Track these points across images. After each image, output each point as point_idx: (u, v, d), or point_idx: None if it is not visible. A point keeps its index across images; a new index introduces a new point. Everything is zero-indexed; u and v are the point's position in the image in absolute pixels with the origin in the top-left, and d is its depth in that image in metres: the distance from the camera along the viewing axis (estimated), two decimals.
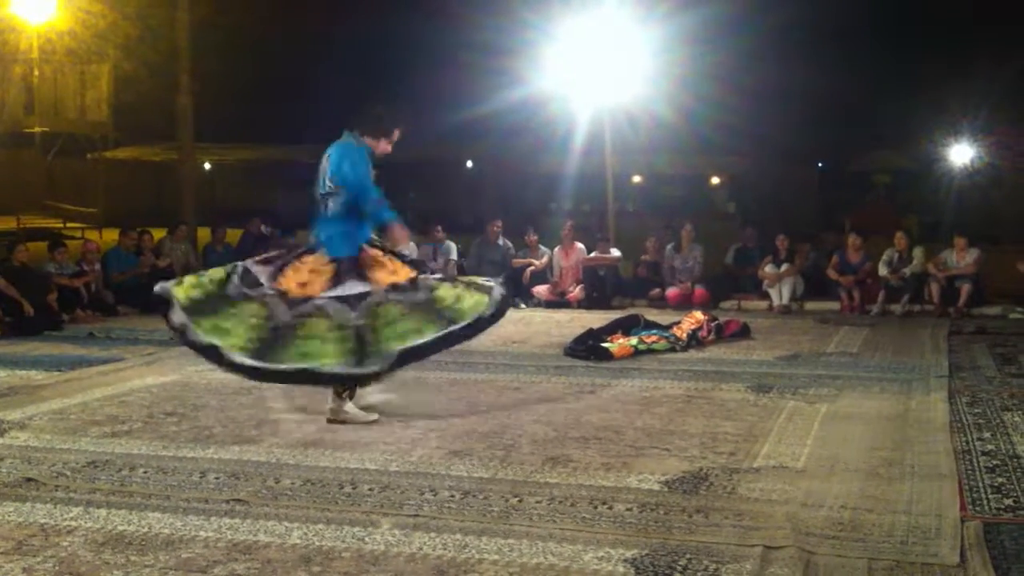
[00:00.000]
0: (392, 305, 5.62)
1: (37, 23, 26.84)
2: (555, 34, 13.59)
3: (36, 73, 30.00)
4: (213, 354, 5.57)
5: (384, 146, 5.93)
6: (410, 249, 12.33)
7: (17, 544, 3.84)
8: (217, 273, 5.79)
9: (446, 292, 5.77)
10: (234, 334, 5.56)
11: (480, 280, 6.14)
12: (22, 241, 12.24)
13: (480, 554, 3.69)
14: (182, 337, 5.66)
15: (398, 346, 5.52)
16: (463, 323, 5.70)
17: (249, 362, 5.48)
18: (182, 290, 5.68)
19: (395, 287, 5.66)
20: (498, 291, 5.88)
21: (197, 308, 5.61)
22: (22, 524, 4.07)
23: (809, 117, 24.88)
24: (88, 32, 27.29)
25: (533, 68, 14.40)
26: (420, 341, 5.57)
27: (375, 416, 5.82)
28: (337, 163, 5.78)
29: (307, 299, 5.61)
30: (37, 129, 31.47)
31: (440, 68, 23.43)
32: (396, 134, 5.94)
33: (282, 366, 5.49)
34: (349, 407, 5.77)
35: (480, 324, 5.78)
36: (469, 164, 30.00)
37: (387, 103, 6.10)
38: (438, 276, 5.99)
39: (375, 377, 5.66)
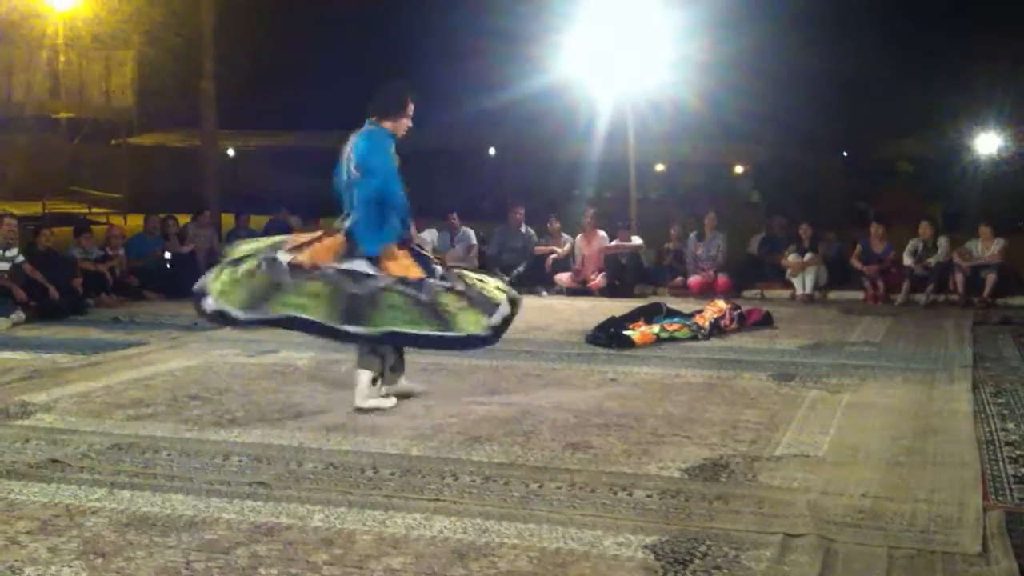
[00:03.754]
0: (396, 293, 5.63)
1: (62, 9, 27.00)
2: (577, 20, 13.56)
3: (62, 59, 30.19)
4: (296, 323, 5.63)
5: (404, 123, 5.92)
6: (431, 236, 12.40)
7: (42, 524, 3.88)
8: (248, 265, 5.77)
9: (449, 300, 5.75)
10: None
11: (492, 286, 6.01)
12: (47, 226, 12.34)
13: (500, 538, 3.71)
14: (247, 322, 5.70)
15: (390, 327, 5.54)
16: (456, 334, 5.70)
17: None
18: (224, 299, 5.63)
19: (403, 281, 5.66)
20: (501, 312, 5.81)
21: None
22: (47, 504, 4.12)
23: (833, 105, 24.72)
24: (113, 18, 27.41)
25: (555, 55, 14.37)
26: (412, 331, 5.59)
27: (394, 401, 5.85)
28: (364, 152, 5.78)
29: (314, 268, 5.65)
30: (63, 115, 31.69)
31: (462, 55, 23.43)
32: (410, 107, 5.93)
33: (271, 315, 5.57)
34: (373, 395, 5.80)
35: (471, 342, 5.81)
36: (492, 151, 29.99)
37: (391, 81, 6.10)
38: (446, 284, 5.88)
39: (355, 339, 5.64)
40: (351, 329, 5.54)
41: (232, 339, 8.35)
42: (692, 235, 12.28)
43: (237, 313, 5.55)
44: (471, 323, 5.70)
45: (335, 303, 5.54)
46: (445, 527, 3.82)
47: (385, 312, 5.55)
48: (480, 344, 5.84)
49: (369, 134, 5.86)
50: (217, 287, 5.59)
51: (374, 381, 5.81)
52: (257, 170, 31.84)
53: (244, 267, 5.66)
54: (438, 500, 4.13)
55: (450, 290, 5.77)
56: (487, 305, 5.83)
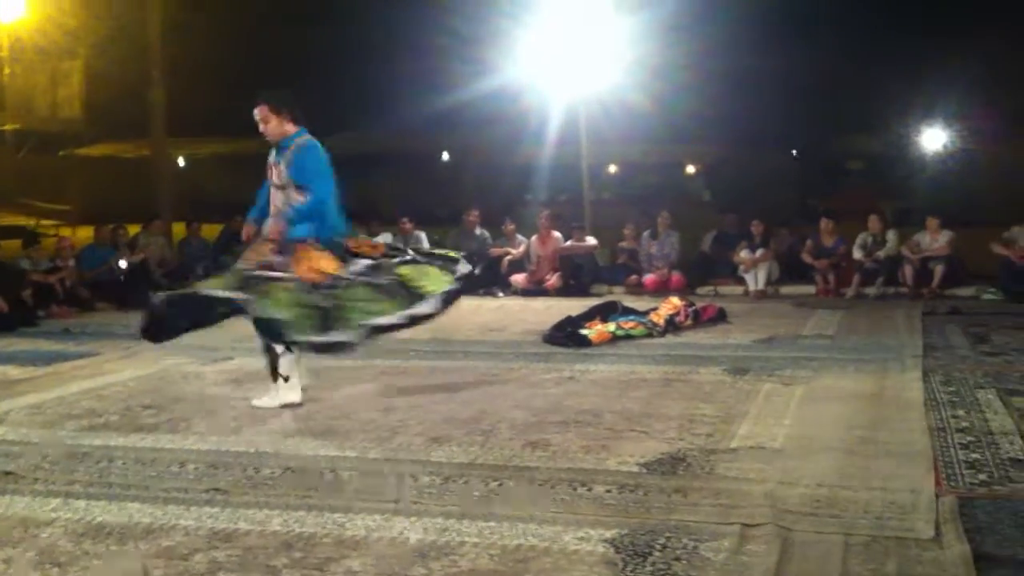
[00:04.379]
0: (360, 287, 5.66)
1: (6, 21, 26.63)
2: (529, 23, 13.62)
3: (7, 71, 29.77)
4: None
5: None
6: (384, 240, 12.35)
7: None
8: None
9: (409, 271, 5.83)
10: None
11: (448, 253, 6.27)
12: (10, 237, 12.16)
13: (461, 537, 3.71)
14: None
15: (363, 320, 5.55)
16: (430, 300, 5.75)
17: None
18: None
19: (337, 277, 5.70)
20: (464, 266, 6.03)
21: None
22: (1, 516, 4.06)
23: (783, 104, 25.01)
24: (59, 30, 27.08)
25: (508, 57, 14.42)
26: (385, 320, 5.61)
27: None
28: (301, 162, 5.83)
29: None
30: (8, 127, 31.26)
31: (414, 58, 23.41)
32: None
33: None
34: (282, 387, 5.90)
35: (448, 297, 5.84)
36: (445, 156, 29.98)
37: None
38: (401, 258, 5.99)
39: (343, 348, 5.65)
40: (332, 339, 5.55)
41: (185, 347, 8.25)
42: (646, 234, 12.36)
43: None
44: (438, 283, 5.82)
45: (309, 317, 5.55)
46: (405, 528, 3.82)
47: (350, 309, 5.58)
48: (454, 297, 5.89)
49: (311, 144, 5.95)
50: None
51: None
52: (208, 177, 31.59)
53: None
54: (397, 501, 4.13)
55: (407, 260, 5.96)
56: (448, 262, 6.06)
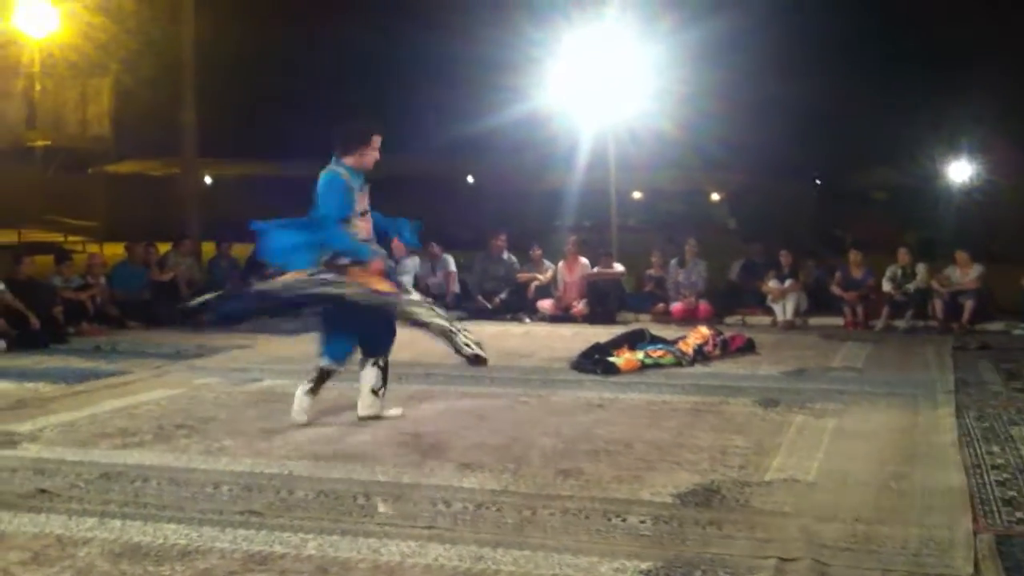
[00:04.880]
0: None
1: (39, 37, 26.92)
2: (558, 51, 13.69)
3: (38, 87, 30.10)
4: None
5: (370, 156, 6.06)
6: (412, 264, 12.40)
7: (34, 555, 3.85)
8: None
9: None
10: None
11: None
12: (25, 255, 12.25)
13: (496, 565, 3.70)
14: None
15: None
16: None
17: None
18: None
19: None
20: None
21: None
22: (38, 535, 4.08)
23: (808, 134, 25.01)
24: (90, 46, 27.36)
25: (536, 84, 14.49)
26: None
27: (401, 411, 6.31)
28: (320, 193, 5.98)
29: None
30: (39, 143, 31.56)
31: (443, 84, 23.56)
32: (375, 140, 6.06)
33: None
34: (379, 404, 6.17)
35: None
36: (470, 179, 30.08)
37: (353, 117, 6.34)
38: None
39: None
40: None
41: (215, 368, 8.34)
42: (673, 262, 12.35)
43: None
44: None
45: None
46: (440, 555, 3.82)
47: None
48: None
49: (326, 175, 6.02)
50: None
51: (376, 392, 6.15)
52: (234, 198, 31.77)
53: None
54: (432, 528, 4.13)
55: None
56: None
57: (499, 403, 6.85)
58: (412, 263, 12.40)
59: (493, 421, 6.25)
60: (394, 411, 6.29)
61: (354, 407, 6.25)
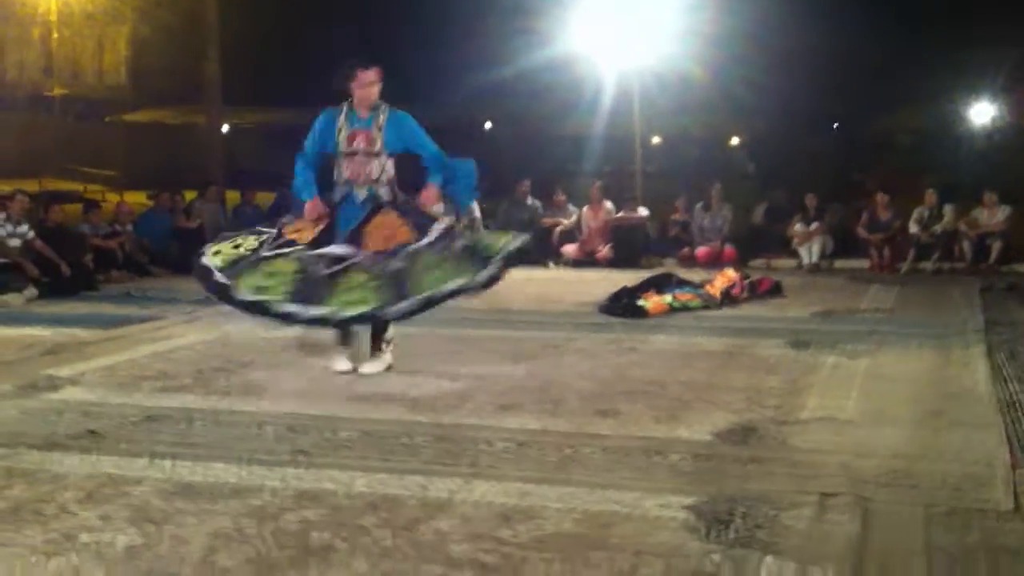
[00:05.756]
0: (429, 253, 5.77)
1: None
2: None
3: (55, 36, 30.02)
4: (257, 308, 5.71)
5: (359, 93, 5.98)
6: (438, 208, 12.40)
7: (89, 493, 3.92)
8: (251, 243, 5.94)
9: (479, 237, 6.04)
10: (272, 290, 5.70)
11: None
12: (52, 202, 12.34)
13: (542, 501, 3.77)
14: (224, 298, 5.83)
15: (431, 291, 5.65)
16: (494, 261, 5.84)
17: (290, 308, 5.64)
18: (219, 259, 5.84)
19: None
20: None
21: (235, 270, 5.77)
22: (91, 475, 4.16)
23: (830, 78, 24.75)
24: None
25: (558, 28, 14.37)
26: (450, 286, 5.69)
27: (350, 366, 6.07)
28: (411, 127, 6.03)
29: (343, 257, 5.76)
30: (56, 92, 31.59)
31: (464, 30, 23.35)
32: (361, 76, 5.96)
33: (322, 311, 5.63)
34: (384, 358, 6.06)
35: (510, 259, 5.91)
36: (487, 126, 29.97)
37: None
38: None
39: (405, 316, 5.75)
40: (397, 310, 5.67)
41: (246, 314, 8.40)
42: (698, 206, 12.34)
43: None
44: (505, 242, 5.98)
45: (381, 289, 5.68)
46: (487, 491, 3.88)
47: (422, 278, 5.68)
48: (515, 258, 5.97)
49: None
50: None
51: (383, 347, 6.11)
52: (252, 146, 31.79)
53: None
54: (475, 466, 4.20)
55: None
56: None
57: (530, 346, 6.90)
58: (437, 210, 12.40)
59: (527, 364, 6.31)
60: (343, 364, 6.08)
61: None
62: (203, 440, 4.65)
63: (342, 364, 6.06)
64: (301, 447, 4.47)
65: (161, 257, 11.55)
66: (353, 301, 5.65)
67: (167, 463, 4.29)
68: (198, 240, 11.80)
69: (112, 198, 20.71)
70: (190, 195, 13.26)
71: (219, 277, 5.82)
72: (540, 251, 12.27)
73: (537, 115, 25.29)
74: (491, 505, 3.74)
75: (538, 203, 12.91)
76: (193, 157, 17.71)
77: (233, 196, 14.08)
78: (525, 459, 4.29)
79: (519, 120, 26.92)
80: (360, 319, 5.74)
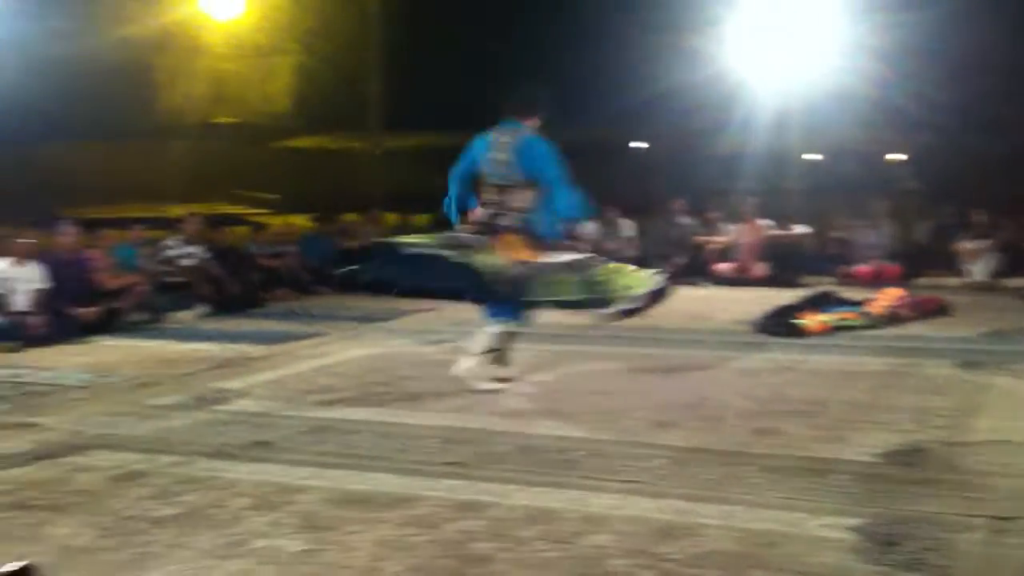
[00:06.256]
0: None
1: (224, 19, 28.13)
2: (738, 8, 13.39)
3: (223, 67, 31.47)
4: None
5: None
6: (588, 229, 12.45)
7: (260, 500, 4.09)
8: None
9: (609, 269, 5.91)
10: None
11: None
12: (222, 224, 12.94)
13: (701, 519, 3.73)
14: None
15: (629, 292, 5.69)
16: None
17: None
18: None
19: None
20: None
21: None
22: (260, 483, 4.32)
23: (1005, 88, 23.66)
24: (272, 26, 28.36)
25: (712, 45, 14.23)
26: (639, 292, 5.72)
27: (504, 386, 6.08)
28: (539, 156, 5.94)
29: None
30: (224, 120, 33.05)
31: (616, 47, 23.37)
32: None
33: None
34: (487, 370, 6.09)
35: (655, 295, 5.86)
36: (641, 144, 29.86)
37: (530, 83, 6.36)
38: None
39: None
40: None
41: (405, 331, 8.61)
42: (859, 223, 12.00)
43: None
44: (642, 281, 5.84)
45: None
46: (645, 507, 3.87)
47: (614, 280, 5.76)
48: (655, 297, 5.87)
49: (537, 139, 6.03)
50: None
51: (488, 353, 6.12)
52: (408, 169, 32.48)
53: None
54: (633, 482, 4.18)
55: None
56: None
57: (684, 364, 6.84)
58: (588, 230, 12.46)
59: (680, 381, 6.27)
60: (492, 383, 6.09)
61: (541, 368, 6.38)
62: (366, 451, 4.78)
63: (487, 381, 6.12)
64: (459, 459, 4.55)
65: (323, 276, 11.91)
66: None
67: (332, 472, 4.43)
68: (358, 261, 12.21)
69: (276, 221, 21.51)
70: (350, 217, 13.66)
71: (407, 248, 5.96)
72: (693, 269, 12.17)
73: (690, 133, 25.06)
74: (649, 521, 3.72)
75: (691, 221, 12.80)
76: (353, 180, 18.26)
77: (390, 217, 14.45)
78: (683, 476, 4.26)
79: (671, 138, 26.73)
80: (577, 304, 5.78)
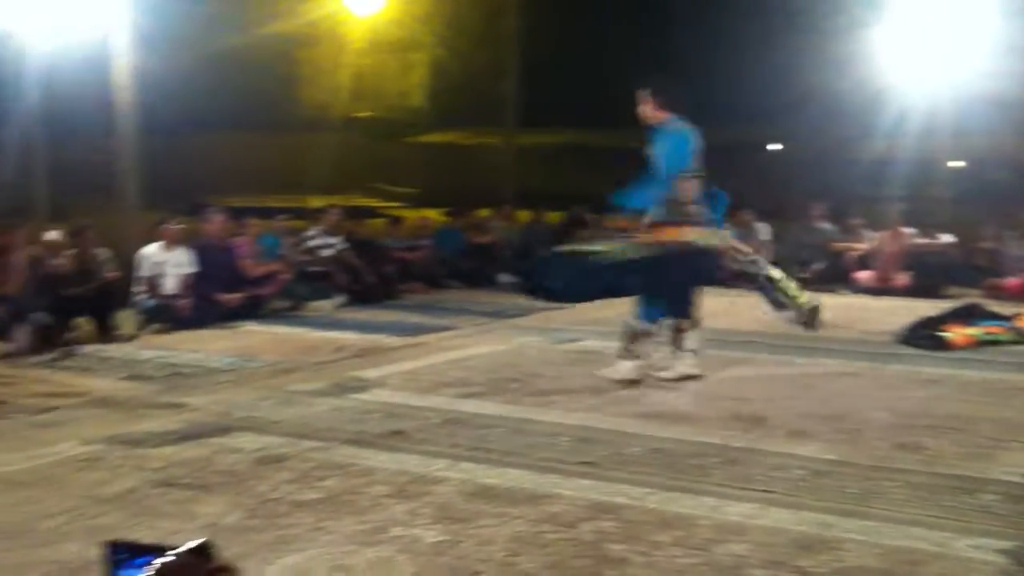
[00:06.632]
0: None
1: (364, 15, 28.70)
2: (886, 11, 13.00)
3: (363, 62, 32.14)
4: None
5: None
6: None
7: (397, 489, 4.16)
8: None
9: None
10: None
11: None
12: (359, 217, 13.22)
13: (842, 533, 3.64)
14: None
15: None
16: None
17: None
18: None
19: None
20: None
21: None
22: (398, 471, 4.40)
23: None
24: (411, 22, 28.79)
25: (857, 48, 13.85)
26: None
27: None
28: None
29: None
30: (363, 114, 33.76)
31: (758, 49, 22.99)
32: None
33: None
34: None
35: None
36: (777, 146, 29.34)
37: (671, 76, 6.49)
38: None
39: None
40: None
41: (534, 327, 8.65)
42: (1010, 234, 11.50)
43: None
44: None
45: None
46: (782, 518, 3.80)
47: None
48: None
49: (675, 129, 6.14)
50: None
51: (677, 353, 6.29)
52: (540, 166, 32.61)
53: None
54: (770, 492, 4.11)
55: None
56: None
57: (822, 374, 6.68)
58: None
59: (819, 391, 6.11)
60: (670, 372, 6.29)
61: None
62: (499, 445, 4.82)
63: (624, 373, 6.18)
64: (592, 459, 4.55)
65: (456, 270, 12.07)
66: None
67: (467, 465, 4.49)
68: (489, 256, 12.33)
69: (410, 214, 21.86)
70: (482, 212, 13.79)
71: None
72: (831, 276, 11.86)
73: (832, 137, 24.48)
74: (788, 532, 3.65)
75: (831, 227, 12.48)
76: (486, 176, 18.39)
77: (522, 214, 14.52)
78: (823, 488, 4.16)
79: (812, 141, 26.16)
80: None
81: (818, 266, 12.01)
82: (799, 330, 8.05)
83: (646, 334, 6.26)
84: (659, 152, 6.05)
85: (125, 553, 1.53)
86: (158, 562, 1.49)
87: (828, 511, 3.86)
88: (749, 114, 24.19)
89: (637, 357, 6.25)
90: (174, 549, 1.51)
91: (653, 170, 6.07)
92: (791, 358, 7.20)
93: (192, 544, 1.51)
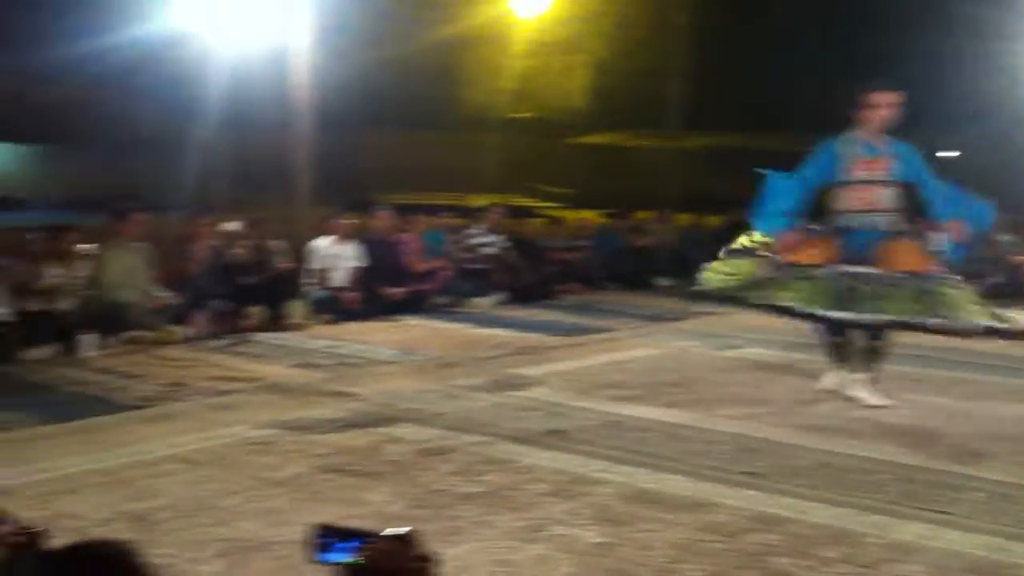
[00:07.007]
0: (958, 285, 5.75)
1: (528, 17, 28.91)
2: None
3: (526, 63, 32.40)
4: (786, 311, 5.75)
5: (868, 117, 5.75)
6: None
7: (556, 488, 4.18)
8: (746, 267, 5.95)
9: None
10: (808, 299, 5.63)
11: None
12: (520, 216, 13.33)
13: (1021, 559, 3.47)
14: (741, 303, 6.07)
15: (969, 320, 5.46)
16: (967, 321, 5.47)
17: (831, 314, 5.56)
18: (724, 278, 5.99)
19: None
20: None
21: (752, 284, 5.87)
22: (558, 471, 4.42)
23: None
24: (573, 22, 28.84)
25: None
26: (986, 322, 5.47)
27: (886, 402, 5.77)
28: (916, 160, 5.87)
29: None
30: (525, 115, 34.03)
31: (935, 53, 22.10)
32: (873, 99, 5.71)
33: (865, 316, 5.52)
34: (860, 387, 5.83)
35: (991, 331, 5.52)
36: (951, 153, 28.13)
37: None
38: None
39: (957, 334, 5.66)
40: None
41: (694, 332, 8.53)
42: None
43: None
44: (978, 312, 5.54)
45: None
46: (956, 539, 3.64)
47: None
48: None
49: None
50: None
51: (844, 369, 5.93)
52: (701, 169, 32.17)
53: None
54: (944, 513, 3.94)
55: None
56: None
57: (1000, 392, 6.36)
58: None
59: (1000, 410, 5.82)
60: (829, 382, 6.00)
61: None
62: (658, 450, 4.78)
63: (829, 382, 5.99)
64: (755, 469, 4.46)
65: (614, 272, 12.02)
66: (903, 309, 5.51)
67: (625, 468, 4.47)
68: (648, 258, 12.24)
69: (569, 215, 21.91)
70: (642, 215, 13.70)
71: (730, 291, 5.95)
72: (1011, 290, 11.30)
73: (1013, 146, 23.29)
74: (962, 556, 3.50)
75: (1012, 238, 11.88)
76: (646, 178, 18.29)
77: (682, 218, 14.38)
78: (1002, 512, 3.97)
79: (995, 148, 24.95)
80: (907, 326, 5.57)
81: (996, 279, 11.45)
82: (972, 345, 7.70)
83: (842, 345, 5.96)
84: (916, 162, 5.84)
85: (333, 536, 1.59)
86: (364, 546, 1.54)
87: (1006, 535, 3.69)
88: (917, 120, 23.20)
89: (846, 368, 5.96)
90: (380, 534, 1.56)
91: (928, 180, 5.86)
92: (963, 374, 6.88)
93: (397, 531, 1.56)
